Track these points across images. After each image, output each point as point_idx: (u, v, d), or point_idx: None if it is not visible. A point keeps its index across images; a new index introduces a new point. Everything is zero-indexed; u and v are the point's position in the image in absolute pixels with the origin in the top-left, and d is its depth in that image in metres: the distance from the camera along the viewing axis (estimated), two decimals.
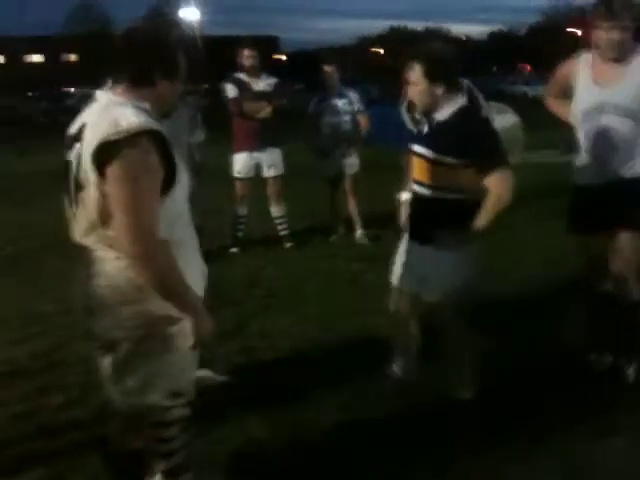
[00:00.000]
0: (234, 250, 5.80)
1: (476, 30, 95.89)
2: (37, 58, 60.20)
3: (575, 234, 3.30)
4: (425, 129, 2.82)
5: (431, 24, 69.64)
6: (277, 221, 5.96)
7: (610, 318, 3.26)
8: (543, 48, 48.02)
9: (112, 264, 1.86)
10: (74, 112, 2.08)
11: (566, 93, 3.27)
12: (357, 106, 5.86)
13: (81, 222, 1.87)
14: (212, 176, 5.37)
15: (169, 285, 1.83)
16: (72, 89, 32.31)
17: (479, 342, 3.02)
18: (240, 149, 5.64)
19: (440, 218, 2.76)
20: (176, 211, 1.92)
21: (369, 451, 2.77)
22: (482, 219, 2.68)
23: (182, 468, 2.13)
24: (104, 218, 1.80)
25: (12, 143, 16.52)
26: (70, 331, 3.79)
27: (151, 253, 1.77)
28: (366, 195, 6.23)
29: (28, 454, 2.78)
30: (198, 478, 2.22)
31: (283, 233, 5.98)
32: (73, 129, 1.92)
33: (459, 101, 2.71)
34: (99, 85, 1.98)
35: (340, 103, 5.80)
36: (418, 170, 2.85)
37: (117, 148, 1.73)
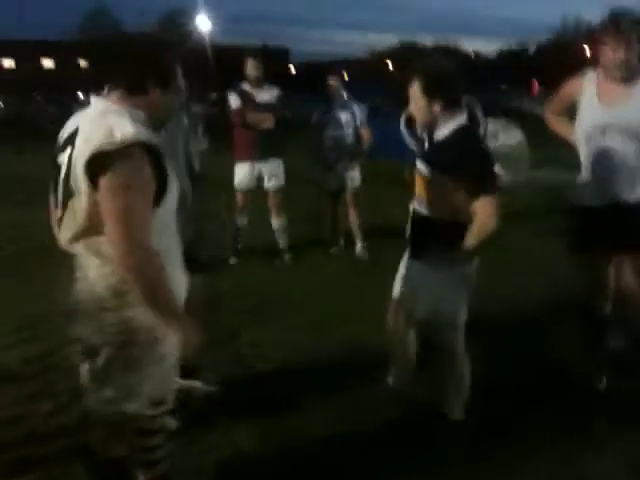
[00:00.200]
0: (233, 260, 5.80)
1: (486, 46, 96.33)
2: (48, 62, 60.57)
3: (576, 254, 3.27)
4: (425, 146, 2.81)
5: (441, 39, 69.62)
6: (277, 233, 5.96)
7: (609, 339, 3.25)
8: (553, 66, 48.07)
9: (96, 270, 1.86)
10: None
11: (569, 111, 3.25)
12: (360, 119, 5.86)
13: (68, 228, 1.88)
14: (214, 186, 5.37)
15: (158, 296, 1.83)
16: (80, 94, 32.37)
17: (475, 361, 3.00)
18: (241, 159, 5.64)
19: (435, 237, 2.74)
20: (165, 221, 1.92)
21: (359, 462, 2.78)
22: (469, 242, 2.63)
23: (166, 478, 2.11)
24: (92, 226, 1.80)
25: (11, 143, 16.34)
26: (63, 335, 3.77)
27: (143, 265, 1.77)
28: (367, 208, 6.23)
29: (15, 460, 2.77)
30: None
31: (283, 245, 5.97)
32: (65, 132, 1.93)
33: (458, 119, 2.68)
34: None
35: (343, 116, 5.79)
36: (418, 187, 2.83)
37: (110, 159, 1.73)
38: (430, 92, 2.64)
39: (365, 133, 5.89)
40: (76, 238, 1.87)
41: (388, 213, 6.58)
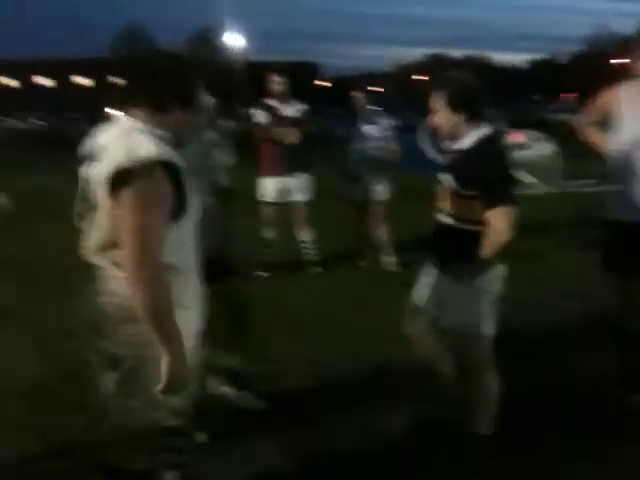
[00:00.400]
0: (262, 274, 5.82)
1: (517, 59, 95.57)
2: (84, 80, 62.05)
3: (608, 273, 3.20)
4: (449, 158, 2.81)
5: (472, 52, 69.47)
6: (303, 246, 5.97)
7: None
8: (586, 77, 47.50)
9: (118, 282, 1.89)
10: None
11: (603, 123, 3.19)
12: (387, 133, 5.87)
13: (92, 241, 1.94)
14: (242, 201, 5.41)
15: (160, 314, 1.84)
16: (112, 111, 33.03)
17: (503, 375, 2.96)
18: (267, 174, 5.68)
19: (457, 248, 2.73)
20: (181, 239, 1.95)
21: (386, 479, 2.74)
22: (484, 252, 2.61)
23: None
24: (114, 239, 1.85)
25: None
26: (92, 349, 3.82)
27: (151, 279, 1.79)
28: (398, 222, 6.20)
29: (45, 474, 2.80)
30: None
31: (309, 258, 5.98)
32: (88, 147, 1.98)
33: (481, 131, 2.69)
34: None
35: (369, 129, 5.81)
36: (442, 198, 2.84)
37: (131, 176, 1.78)
38: (454, 104, 2.66)
39: (392, 147, 5.88)
40: (100, 251, 1.92)
41: (418, 227, 6.54)
